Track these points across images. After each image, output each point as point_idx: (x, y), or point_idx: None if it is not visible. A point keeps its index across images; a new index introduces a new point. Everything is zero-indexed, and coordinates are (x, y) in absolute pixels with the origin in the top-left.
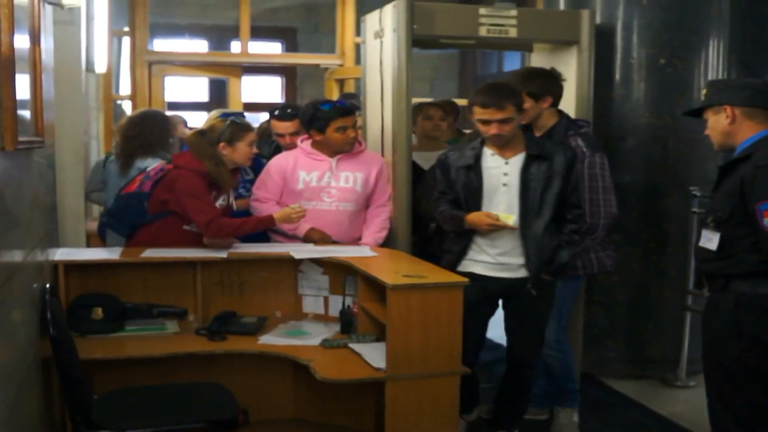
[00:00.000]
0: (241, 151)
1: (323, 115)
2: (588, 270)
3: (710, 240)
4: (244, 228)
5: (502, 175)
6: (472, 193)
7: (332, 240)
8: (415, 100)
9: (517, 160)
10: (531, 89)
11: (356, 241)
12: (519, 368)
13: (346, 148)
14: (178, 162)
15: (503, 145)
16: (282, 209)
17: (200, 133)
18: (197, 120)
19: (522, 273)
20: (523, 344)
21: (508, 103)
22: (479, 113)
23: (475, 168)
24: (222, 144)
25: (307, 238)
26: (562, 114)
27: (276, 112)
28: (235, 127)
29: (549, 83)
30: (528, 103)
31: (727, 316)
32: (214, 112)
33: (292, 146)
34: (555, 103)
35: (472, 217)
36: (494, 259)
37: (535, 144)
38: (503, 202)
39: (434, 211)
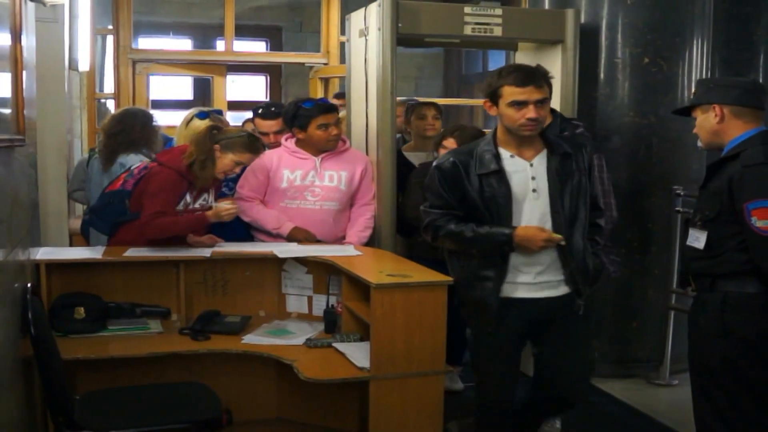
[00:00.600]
0: (225, 162)
1: (305, 113)
2: None
3: (697, 239)
4: (177, 226)
5: (529, 180)
6: (498, 205)
7: (317, 239)
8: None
9: (541, 161)
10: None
11: (340, 239)
12: (566, 404)
13: (329, 146)
14: (161, 159)
15: (521, 144)
16: (215, 206)
17: (213, 128)
18: (181, 119)
19: (563, 290)
20: (572, 375)
21: (545, 82)
22: (513, 94)
23: (499, 173)
24: (218, 145)
25: (291, 237)
26: (555, 113)
27: (259, 111)
28: (241, 140)
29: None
30: None
31: (713, 315)
32: (192, 110)
33: (276, 145)
34: None
35: (525, 233)
36: (534, 278)
37: (555, 140)
38: (535, 211)
39: (440, 233)
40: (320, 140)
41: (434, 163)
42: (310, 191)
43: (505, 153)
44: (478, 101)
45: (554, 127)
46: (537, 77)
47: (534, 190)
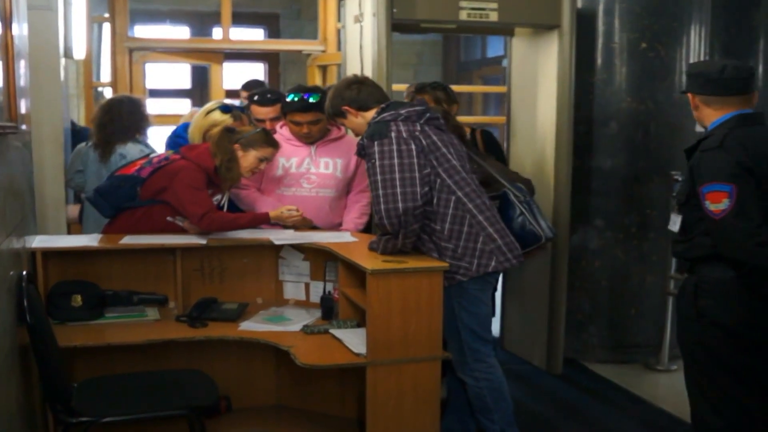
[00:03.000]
0: (249, 160)
1: (285, 103)
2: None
3: (674, 223)
4: (238, 223)
5: None
6: None
7: (314, 225)
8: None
9: None
10: (328, 111)
11: (337, 226)
12: None
13: (301, 140)
14: (187, 154)
15: None
16: (278, 208)
17: (228, 129)
18: (179, 107)
19: None
20: None
21: None
22: None
23: None
24: (238, 145)
25: (285, 220)
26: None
27: (256, 97)
28: (260, 136)
29: (336, 100)
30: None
31: (689, 299)
32: (214, 102)
33: (272, 132)
34: (362, 107)
35: None
36: None
37: None
38: None
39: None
40: (293, 132)
41: None
42: (305, 178)
43: None
44: (477, 88)
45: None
46: None
47: None
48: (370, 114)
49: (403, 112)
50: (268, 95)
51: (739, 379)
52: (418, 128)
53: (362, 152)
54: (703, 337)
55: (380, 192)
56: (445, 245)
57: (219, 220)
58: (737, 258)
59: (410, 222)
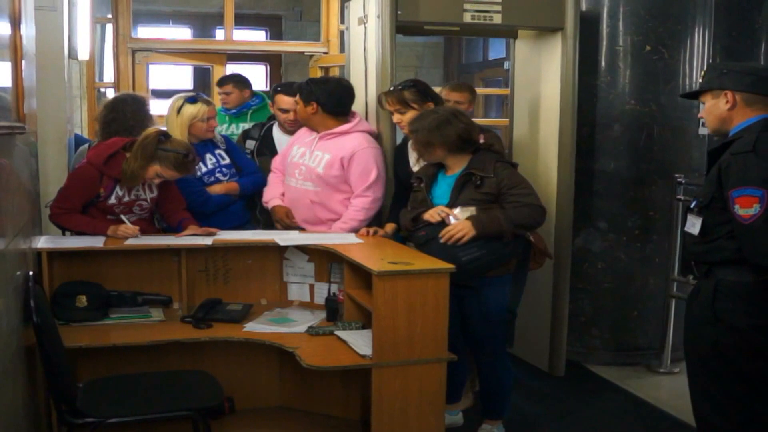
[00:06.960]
0: (150, 172)
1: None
2: None
3: (693, 225)
4: (80, 227)
5: None
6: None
7: (294, 221)
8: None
9: None
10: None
11: (326, 224)
12: None
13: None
14: (88, 154)
15: None
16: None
17: (161, 134)
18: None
19: None
20: None
21: None
22: None
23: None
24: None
25: (273, 213)
26: None
27: (279, 88)
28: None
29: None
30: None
31: (706, 302)
32: (178, 97)
33: (295, 122)
34: None
35: None
36: None
37: None
38: None
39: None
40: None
41: None
42: (298, 169)
43: None
44: (479, 90)
45: None
46: None
47: None
48: None
49: None
50: (293, 85)
51: (749, 383)
52: None
53: None
54: (717, 340)
55: None
56: None
57: (65, 219)
58: (764, 264)
59: None
